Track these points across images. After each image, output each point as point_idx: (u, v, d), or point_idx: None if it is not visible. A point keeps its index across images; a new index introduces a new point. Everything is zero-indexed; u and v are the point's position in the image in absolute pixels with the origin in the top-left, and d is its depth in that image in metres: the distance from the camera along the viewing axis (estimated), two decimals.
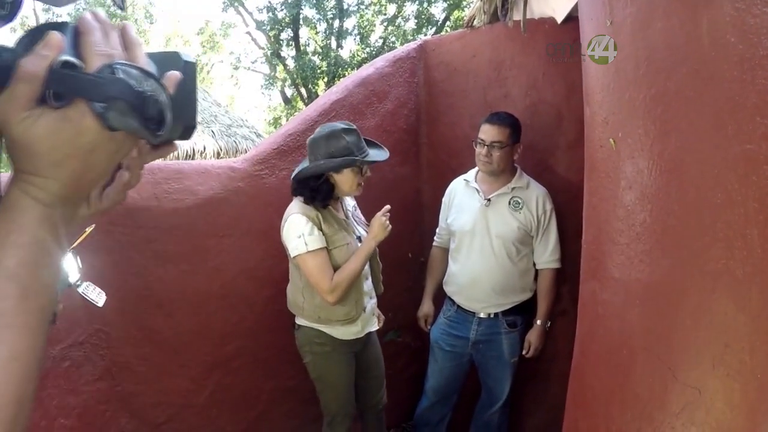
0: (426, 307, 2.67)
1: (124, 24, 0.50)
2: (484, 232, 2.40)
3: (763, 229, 0.81)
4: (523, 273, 2.43)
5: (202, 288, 2.29)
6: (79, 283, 1.40)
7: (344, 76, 12.10)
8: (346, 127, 2.06)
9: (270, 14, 13.95)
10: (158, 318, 2.20)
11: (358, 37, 14.69)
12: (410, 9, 14.30)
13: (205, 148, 7.49)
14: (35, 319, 0.45)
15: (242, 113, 14.97)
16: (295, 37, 14.42)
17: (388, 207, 2.11)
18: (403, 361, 2.93)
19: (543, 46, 2.44)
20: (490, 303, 2.42)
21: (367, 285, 2.22)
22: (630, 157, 1.08)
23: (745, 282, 0.84)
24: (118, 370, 2.12)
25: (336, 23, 14.40)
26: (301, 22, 14.26)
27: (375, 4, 14.43)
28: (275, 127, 17.12)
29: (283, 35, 14.46)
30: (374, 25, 14.82)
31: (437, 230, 2.70)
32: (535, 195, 2.39)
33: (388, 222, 2.08)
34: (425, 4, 13.80)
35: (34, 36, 0.45)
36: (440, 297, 2.65)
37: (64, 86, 0.44)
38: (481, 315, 2.45)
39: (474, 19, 2.77)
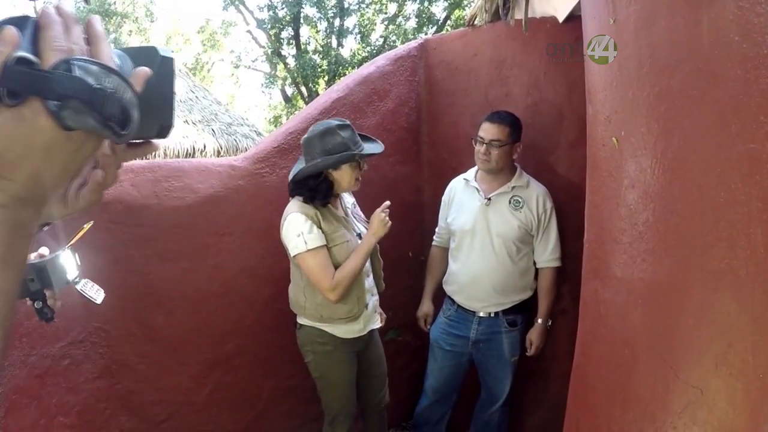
0: (425, 306, 2.67)
1: (90, 17, 0.48)
2: (484, 232, 2.40)
3: (766, 228, 0.80)
4: (523, 272, 2.43)
5: (203, 286, 2.28)
6: (77, 280, 1.40)
7: (345, 74, 12.09)
8: (340, 123, 2.05)
9: (271, 13, 13.96)
10: (158, 316, 2.20)
11: (358, 36, 14.70)
12: (411, 8, 14.31)
13: (205, 147, 7.49)
14: None
15: (243, 112, 14.96)
16: (296, 36, 14.43)
17: (387, 203, 2.11)
18: (403, 360, 2.93)
19: (544, 45, 2.44)
20: (490, 302, 2.42)
21: (369, 282, 2.22)
22: (633, 155, 1.07)
23: (748, 281, 0.84)
24: (118, 368, 2.11)
25: (337, 22, 14.40)
26: (301, 20, 14.27)
27: (376, 3, 14.43)
28: (275, 126, 17.13)
29: (284, 34, 14.46)
30: (375, 24, 14.83)
31: (436, 229, 2.70)
32: (536, 194, 2.38)
33: (387, 218, 2.07)
34: (426, 3, 13.81)
35: None
36: (440, 296, 2.65)
37: (18, 84, 0.42)
38: (482, 314, 2.44)
39: (475, 17, 2.76)
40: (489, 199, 2.39)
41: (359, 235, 2.17)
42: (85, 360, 2.01)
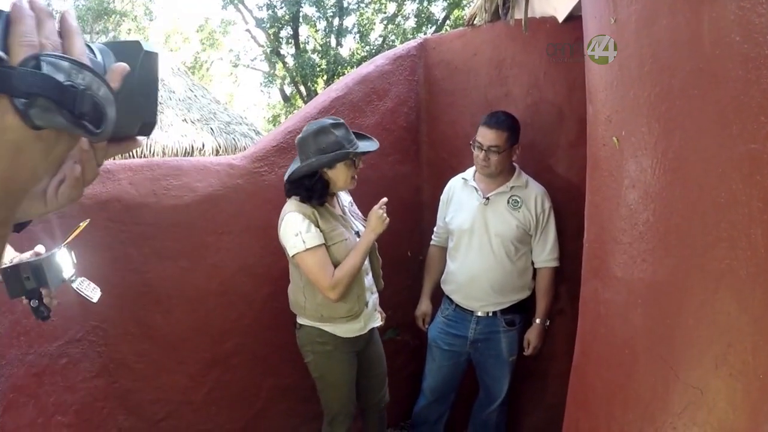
0: (424, 305, 2.67)
1: (64, 11, 0.46)
2: (482, 231, 2.39)
3: (766, 228, 0.80)
4: (521, 272, 2.43)
5: (201, 285, 2.28)
6: (73, 278, 1.39)
7: (343, 74, 12.08)
8: (334, 121, 2.04)
9: (270, 12, 13.96)
10: (156, 315, 2.19)
11: (357, 36, 14.70)
12: (410, 7, 14.32)
13: (203, 146, 7.49)
14: None
15: (241, 111, 14.96)
16: (295, 35, 14.42)
17: (385, 200, 2.10)
18: (402, 360, 2.93)
19: (544, 45, 2.43)
20: (488, 302, 2.42)
21: (368, 280, 2.21)
22: (633, 155, 1.07)
23: (749, 282, 0.84)
24: (116, 367, 2.11)
25: (336, 21, 14.40)
26: (300, 19, 14.27)
27: (375, 3, 14.44)
28: (274, 125, 17.12)
29: (283, 33, 14.46)
30: (374, 24, 14.84)
31: (435, 229, 2.70)
32: (534, 194, 2.38)
33: (385, 215, 2.07)
34: (425, 3, 13.82)
35: None
36: (438, 296, 2.64)
37: None
38: (480, 314, 2.44)
39: (475, 17, 2.76)
40: (487, 198, 2.39)
41: (357, 233, 2.17)
42: (83, 359, 2.01)
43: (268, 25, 14.12)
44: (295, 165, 2.09)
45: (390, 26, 14.50)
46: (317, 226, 2.02)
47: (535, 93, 2.55)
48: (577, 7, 1.84)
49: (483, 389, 2.63)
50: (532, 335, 2.46)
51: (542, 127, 2.54)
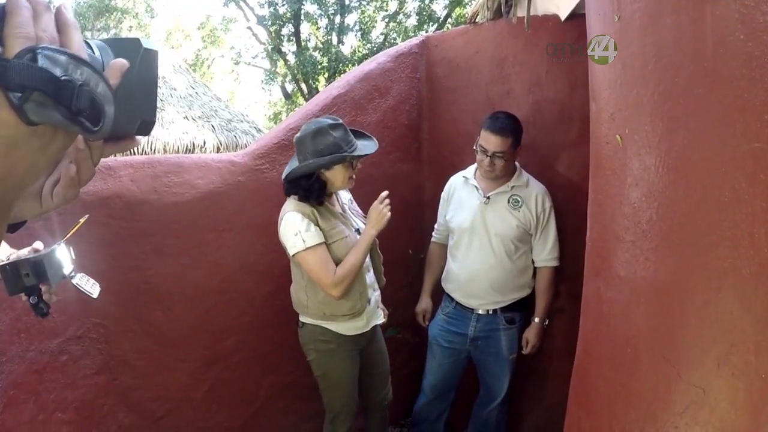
0: (424, 302, 2.67)
1: (59, 5, 0.44)
2: (482, 230, 2.39)
3: None
4: (521, 271, 2.42)
5: (202, 282, 2.28)
6: (72, 274, 1.39)
7: (345, 71, 12.07)
8: (332, 122, 2.02)
9: (271, 9, 13.96)
10: (157, 312, 2.19)
11: (359, 33, 14.69)
12: (412, 5, 14.32)
13: (205, 143, 7.50)
14: None
15: (242, 108, 14.93)
16: (296, 33, 14.42)
17: (385, 193, 2.09)
18: (403, 357, 2.93)
19: (546, 43, 2.43)
20: (488, 300, 2.42)
21: (370, 278, 2.21)
22: (637, 154, 1.07)
23: (752, 281, 0.83)
24: (117, 364, 2.11)
25: (337, 19, 14.39)
26: (302, 17, 14.25)
27: (376, 0, 14.41)
28: (275, 123, 17.12)
29: (284, 30, 14.46)
30: (375, 21, 14.82)
31: (435, 226, 2.70)
32: (535, 193, 2.38)
33: (386, 210, 2.06)
34: (427, 1, 13.79)
35: None
36: (438, 293, 2.64)
37: None
38: (480, 311, 2.44)
39: (477, 15, 2.76)
40: (488, 197, 2.39)
41: (357, 231, 2.17)
42: (84, 356, 2.01)
43: (270, 23, 14.11)
44: (293, 163, 2.08)
45: (391, 24, 14.49)
46: (317, 224, 2.02)
47: (536, 91, 2.55)
48: (580, 5, 1.83)
49: (483, 387, 2.63)
50: (530, 334, 2.46)
51: (544, 125, 2.53)
